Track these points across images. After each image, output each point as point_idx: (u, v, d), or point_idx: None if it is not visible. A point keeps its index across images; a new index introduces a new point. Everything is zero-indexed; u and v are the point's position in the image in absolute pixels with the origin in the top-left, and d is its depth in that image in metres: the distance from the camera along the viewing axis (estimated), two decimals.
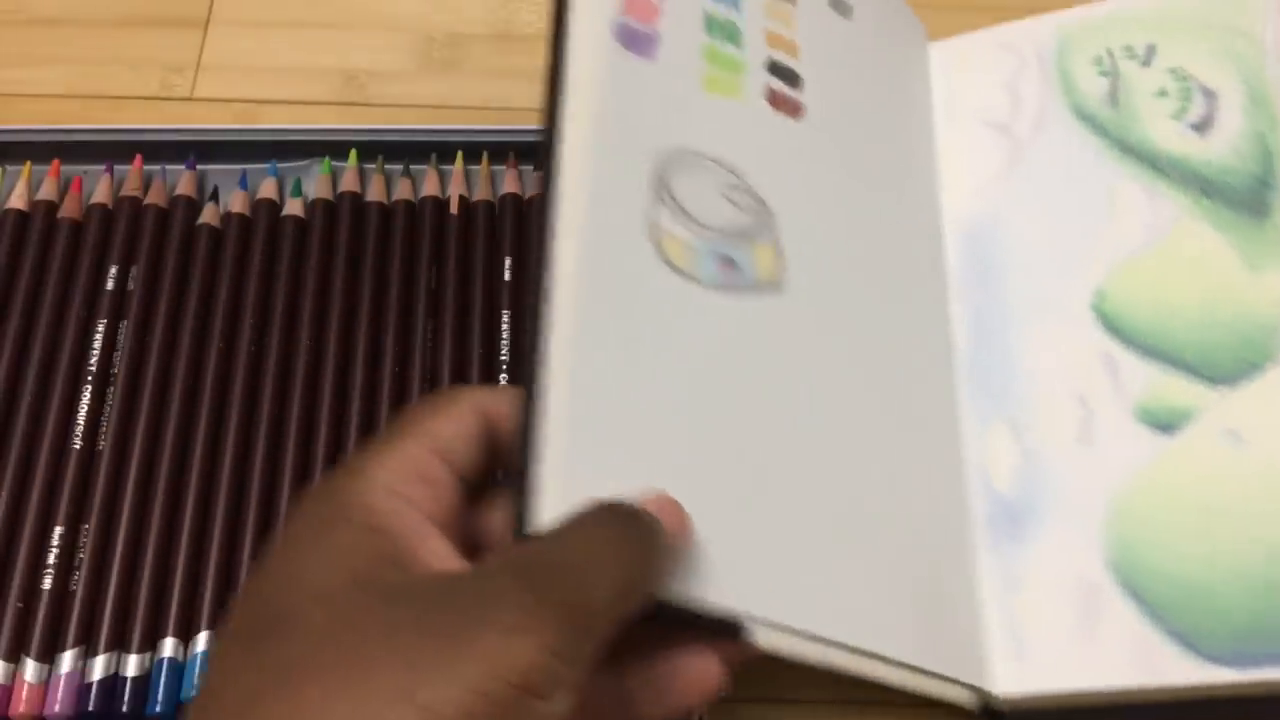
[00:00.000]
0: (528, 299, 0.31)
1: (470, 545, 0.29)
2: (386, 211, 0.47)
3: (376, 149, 0.48)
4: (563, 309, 0.31)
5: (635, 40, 0.36)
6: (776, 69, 0.40)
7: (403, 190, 0.48)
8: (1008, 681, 0.37)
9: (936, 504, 0.38)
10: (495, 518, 0.30)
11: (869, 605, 0.34)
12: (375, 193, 0.48)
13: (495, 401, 0.30)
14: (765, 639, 0.30)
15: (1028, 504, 0.39)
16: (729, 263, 0.35)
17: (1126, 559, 0.38)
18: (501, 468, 0.30)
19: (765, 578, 0.32)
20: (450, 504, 0.29)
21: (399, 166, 0.49)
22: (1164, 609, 0.37)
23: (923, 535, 0.37)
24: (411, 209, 0.47)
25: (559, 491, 0.28)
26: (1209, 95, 0.44)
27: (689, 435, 0.32)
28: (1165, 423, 0.39)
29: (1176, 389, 0.40)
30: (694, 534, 0.30)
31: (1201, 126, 0.44)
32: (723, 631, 0.30)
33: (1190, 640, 0.36)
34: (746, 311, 0.35)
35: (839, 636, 0.32)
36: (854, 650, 0.32)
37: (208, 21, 0.54)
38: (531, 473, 0.28)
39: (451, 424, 0.29)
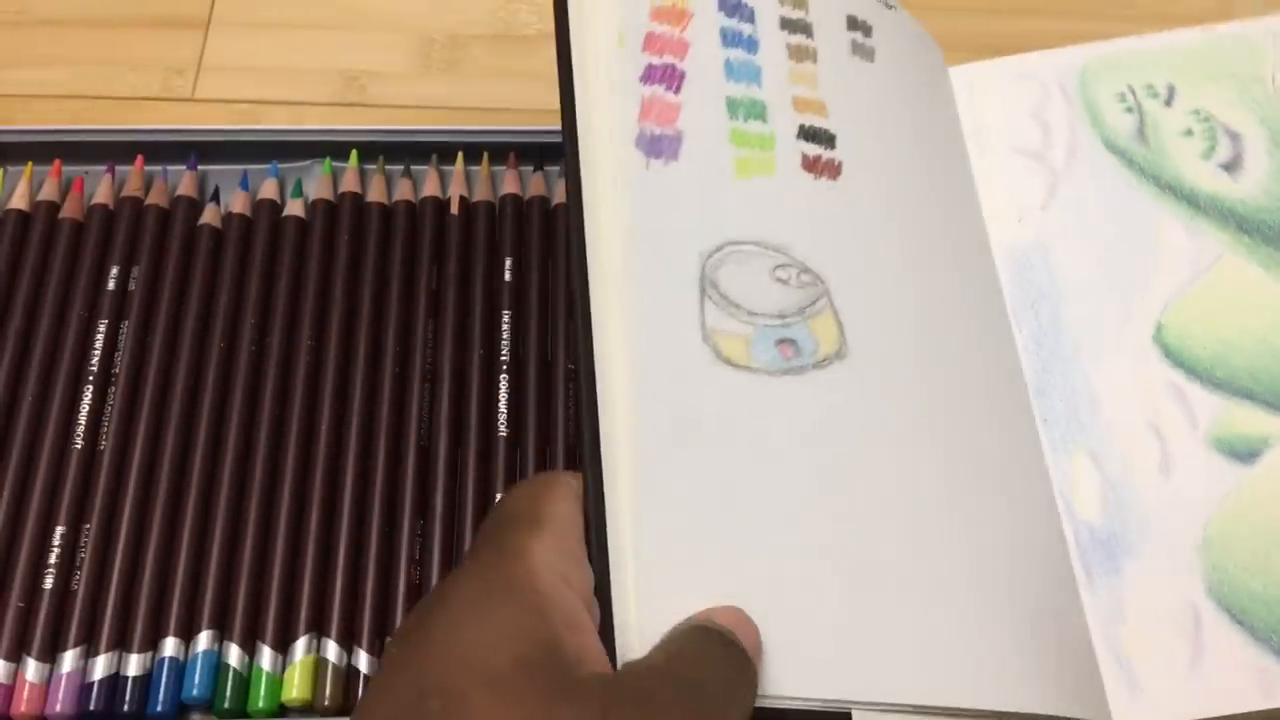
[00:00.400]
0: (584, 435, 0.31)
1: None
2: (387, 212, 0.47)
3: (377, 149, 0.49)
4: (627, 440, 0.30)
5: (657, 146, 0.35)
6: (808, 134, 0.39)
7: (403, 191, 0.48)
8: (1127, 715, 0.36)
9: (1036, 541, 0.37)
10: None
11: (983, 661, 0.33)
12: (376, 193, 0.48)
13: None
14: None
15: (1119, 534, 0.39)
16: (789, 344, 0.34)
17: (1225, 586, 0.38)
18: None
19: (869, 658, 0.31)
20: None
21: (399, 167, 0.49)
22: (1270, 632, 0.37)
23: (1028, 576, 0.36)
24: (412, 209, 0.47)
25: (644, 623, 0.28)
26: (1234, 137, 0.45)
27: (775, 530, 0.31)
28: (1242, 451, 0.40)
29: (1247, 418, 0.40)
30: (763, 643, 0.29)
31: (1231, 167, 0.44)
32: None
33: None
34: (816, 388, 0.34)
35: (956, 701, 0.31)
36: (975, 714, 0.31)
37: (209, 22, 0.54)
38: (616, 609, 0.28)
39: (571, 508, 0.29)
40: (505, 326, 0.45)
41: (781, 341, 0.34)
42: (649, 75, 0.36)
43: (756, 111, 0.38)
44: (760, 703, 0.28)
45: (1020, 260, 0.44)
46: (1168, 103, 0.46)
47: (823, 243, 0.36)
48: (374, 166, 0.49)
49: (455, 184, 0.48)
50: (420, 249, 0.46)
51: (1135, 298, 0.43)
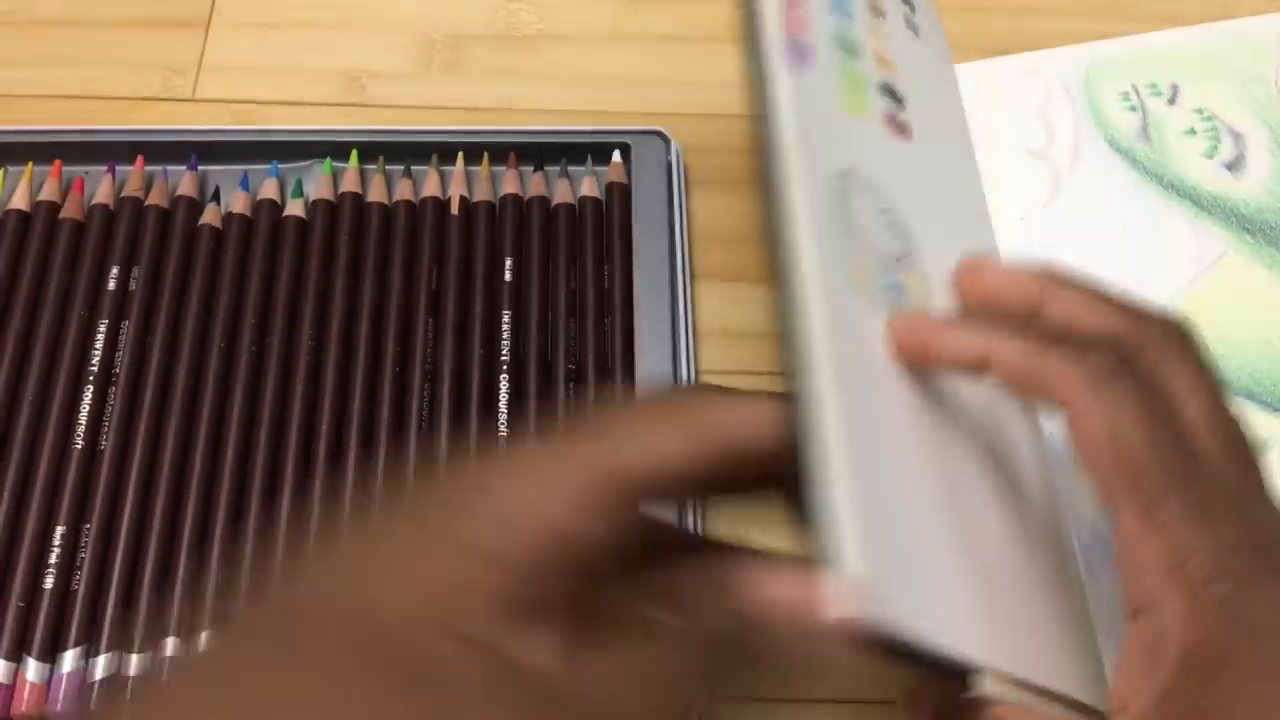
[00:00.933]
0: (786, 351, 0.27)
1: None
2: (387, 212, 0.47)
3: (377, 150, 0.49)
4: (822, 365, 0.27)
5: (798, 55, 0.34)
6: (887, 90, 0.38)
7: (404, 191, 0.48)
8: None
9: (1049, 535, 0.36)
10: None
11: (1063, 650, 0.31)
12: (376, 193, 0.48)
13: (739, 415, 0.25)
14: (994, 688, 0.28)
15: None
16: (894, 290, 0.33)
17: None
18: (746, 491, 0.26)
19: (991, 625, 0.29)
20: (607, 557, 0.24)
21: (400, 167, 0.49)
22: None
23: (1058, 569, 0.34)
24: (412, 209, 0.47)
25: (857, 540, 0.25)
26: (1236, 136, 0.45)
27: (919, 475, 0.30)
28: None
29: (1249, 418, 0.41)
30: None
31: (1233, 166, 0.45)
32: (956, 676, 0.27)
33: None
34: None
35: (1061, 688, 0.30)
36: (1072, 702, 0.30)
37: (209, 22, 0.54)
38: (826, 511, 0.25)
39: (668, 441, 0.24)
40: (505, 326, 0.45)
41: (893, 285, 0.33)
42: None
43: (854, 50, 0.37)
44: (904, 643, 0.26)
45: (1025, 257, 0.44)
46: (1171, 101, 0.47)
47: (908, 201, 0.35)
48: (374, 167, 0.48)
49: (455, 184, 0.48)
50: (420, 249, 0.46)
51: (1138, 295, 0.43)
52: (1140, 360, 0.28)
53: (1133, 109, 0.47)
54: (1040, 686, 0.30)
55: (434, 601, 0.23)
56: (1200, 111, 0.46)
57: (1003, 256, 0.43)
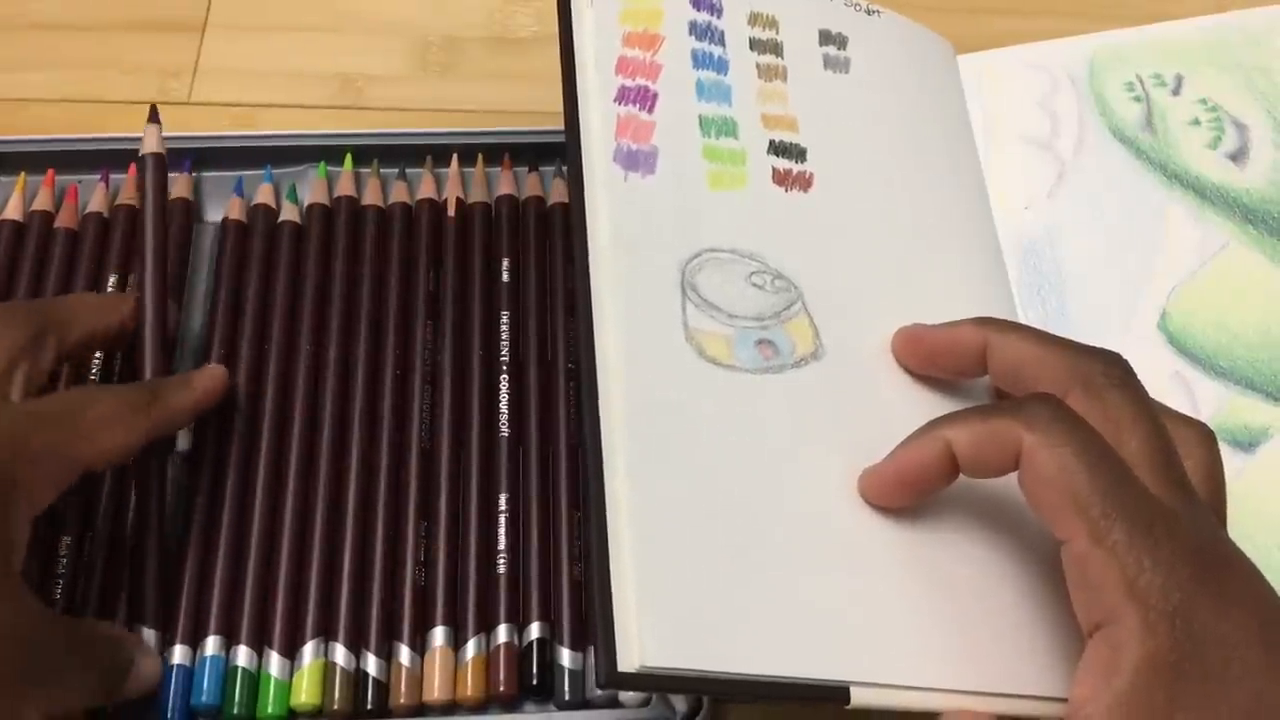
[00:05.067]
0: (585, 433, 0.33)
1: None
2: (383, 215, 0.47)
3: (372, 153, 0.48)
4: (621, 435, 0.33)
5: (633, 160, 0.39)
6: (778, 149, 0.41)
7: (399, 194, 0.48)
8: None
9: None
10: None
11: (959, 646, 0.34)
12: (371, 196, 0.47)
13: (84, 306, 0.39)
14: (864, 697, 0.31)
15: None
16: (768, 345, 0.37)
17: None
18: None
19: (861, 641, 0.32)
20: None
21: (395, 170, 0.48)
22: None
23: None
24: (409, 212, 0.47)
25: (642, 622, 0.30)
26: (1240, 127, 0.45)
27: (759, 518, 0.33)
28: (1243, 440, 0.41)
29: (1249, 408, 0.41)
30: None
31: (1237, 157, 0.45)
32: (829, 699, 0.31)
33: None
34: (795, 387, 0.37)
35: (933, 682, 0.32)
36: (948, 691, 0.33)
37: (205, 26, 0.54)
38: (616, 602, 0.31)
39: None
40: (504, 327, 0.45)
41: (760, 342, 0.37)
42: (622, 96, 0.40)
43: (728, 129, 0.41)
44: (761, 679, 0.31)
45: (1027, 248, 0.44)
46: (1175, 92, 0.46)
47: (794, 252, 0.39)
48: (369, 170, 0.48)
49: (451, 186, 0.48)
50: (417, 251, 0.46)
51: (1141, 286, 0.43)
52: (1085, 398, 0.32)
53: (1137, 99, 0.46)
54: (926, 686, 0.32)
55: None
56: (1204, 102, 0.46)
57: (1004, 247, 0.43)
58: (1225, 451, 0.40)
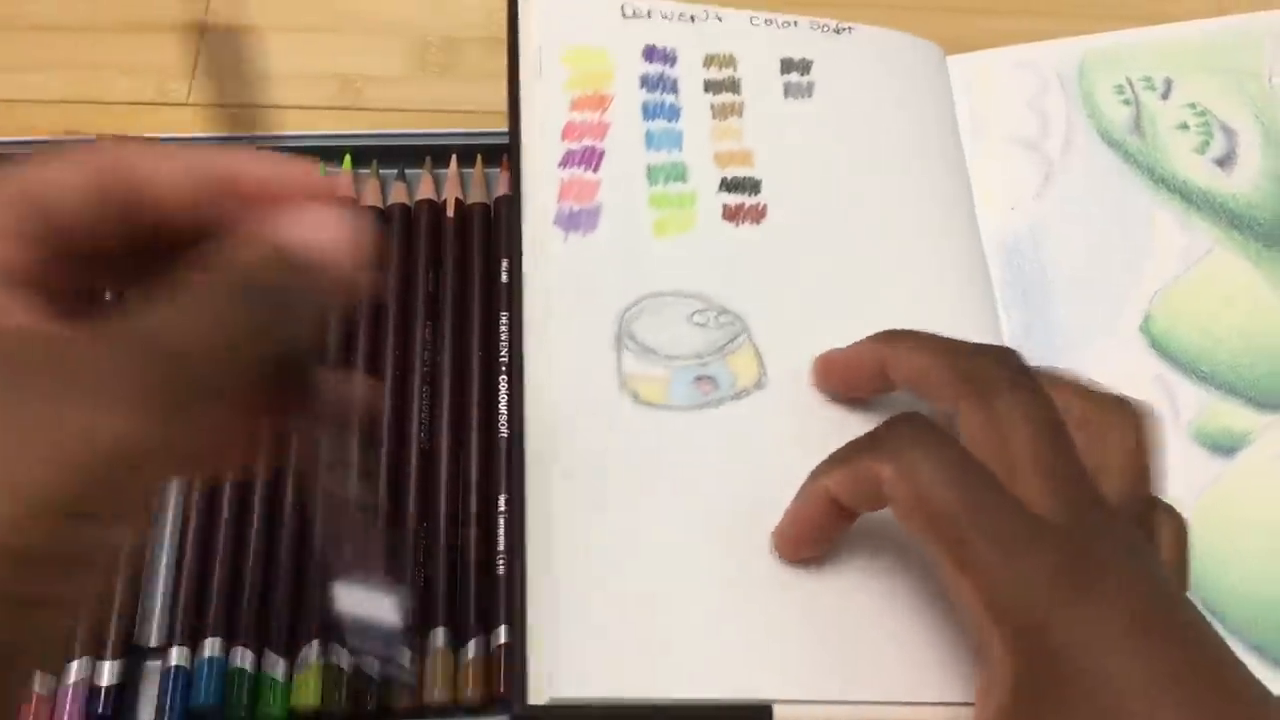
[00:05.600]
0: (513, 498, 0.35)
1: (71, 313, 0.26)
2: (383, 216, 0.47)
3: (371, 153, 0.49)
4: (558, 495, 0.35)
5: (574, 221, 0.40)
6: (730, 185, 0.42)
7: (398, 194, 0.48)
8: None
9: None
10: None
11: (898, 660, 0.34)
12: (370, 197, 0.48)
13: (130, 157, 0.26)
14: (786, 714, 0.32)
15: None
16: (708, 380, 0.38)
17: (1202, 579, 0.38)
18: (131, 222, 0.27)
19: (785, 661, 0.33)
20: (39, 258, 0.25)
21: (394, 170, 0.49)
22: (1241, 625, 0.38)
23: None
24: (408, 213, 0.47)
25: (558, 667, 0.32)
26: (1228, 132, 0.45)
27: (679, 550, 0.35)
28: (1224, 445, 0.40)
29: (1229, 413, 0.41)
30: None
31: (1224, 162, 0.45)
32: (753, 719, 0.32)
33: (1269, 653, 0.37)
34: (731, 419, 0.38)
35: (856, 696, 0.33)
36: (873, 703, 0.33)
37: (204, 26, 0.54)
38: (530, 655, 0.32)
39: (57, 173, 0.26)
40: (503, 327, 0.45)
41: (700, 379, 0.38)
42: (567, 160, 0.41)
43: (677, 174, 0.42)
44: (684, 703, 0.32)
45: (1012, 248, 0.44)
46: (1164, 96, 0.47)
47: (741, 284, 0.40)
48: (368, 170, 0.48)
49: (450, 187, 0.48)
50: (416, 252, 0.46)
51: (1126, 289, 0.43)
52: (975, 404, 0.31)
53: (1126, 102, 0.47)
54: (851, 700, 0.33)
55: None
56: (1193, 106, 0.46)
57: (987, 248, 0.44)
58: (1204, 457, 0.40)
